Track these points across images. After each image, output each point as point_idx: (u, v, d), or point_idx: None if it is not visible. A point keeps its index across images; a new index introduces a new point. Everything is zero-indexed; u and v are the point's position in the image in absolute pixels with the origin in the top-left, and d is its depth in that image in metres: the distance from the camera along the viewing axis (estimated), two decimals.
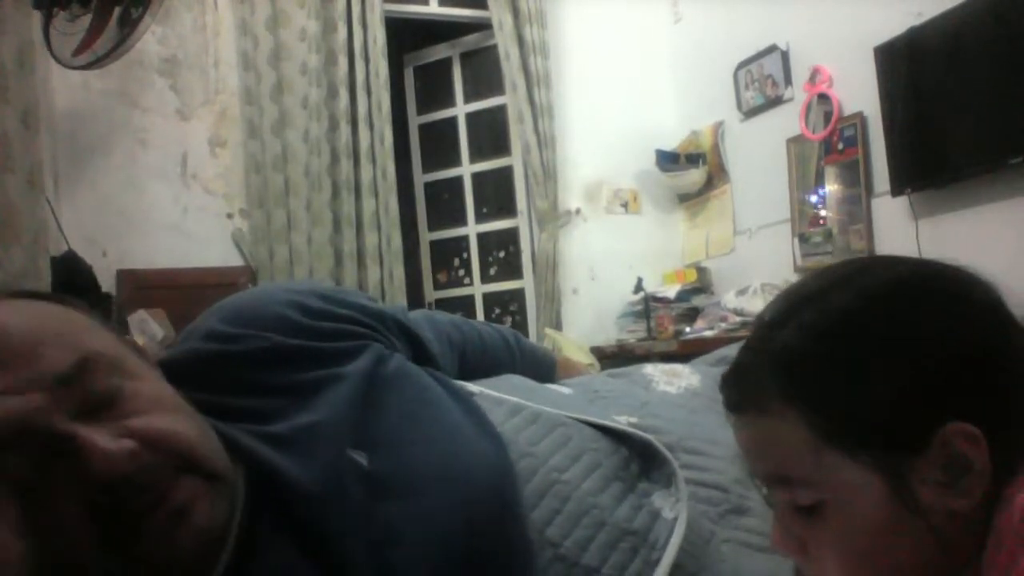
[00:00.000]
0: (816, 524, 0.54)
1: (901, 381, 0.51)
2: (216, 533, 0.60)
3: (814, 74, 3.21)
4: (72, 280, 2.22)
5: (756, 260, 3.54)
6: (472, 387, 0.84)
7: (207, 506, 0.59)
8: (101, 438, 0.54)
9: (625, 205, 3.98)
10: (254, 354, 0.73)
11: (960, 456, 0.50)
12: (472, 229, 4.03)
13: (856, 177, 3.05)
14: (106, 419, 0.56)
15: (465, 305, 3.98)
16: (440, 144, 4.09)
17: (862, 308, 0.54)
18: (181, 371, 0.71)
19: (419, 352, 0.87)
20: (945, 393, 0.51)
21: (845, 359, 0.52)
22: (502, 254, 4.02)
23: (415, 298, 3.95)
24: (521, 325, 3.87)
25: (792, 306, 0.57)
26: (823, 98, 3.17)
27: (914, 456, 0.50)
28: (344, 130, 3.40)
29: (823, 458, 0.52)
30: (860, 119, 3.01)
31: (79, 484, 0.54)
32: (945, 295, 0.54)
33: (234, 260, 3.33)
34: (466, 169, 4.04)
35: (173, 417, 0.60)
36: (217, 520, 0.60)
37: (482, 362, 1.00)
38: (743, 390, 0.57)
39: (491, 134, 4.02)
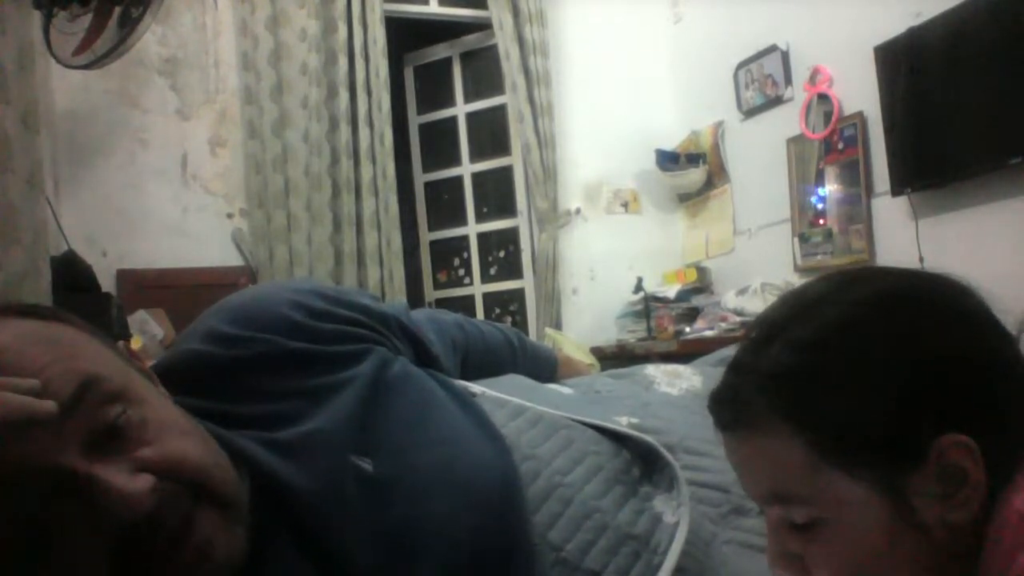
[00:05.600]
0: (812, 541, 0.53)
1: (895, 393, 0.51)
2: (236, 561, 0.60)
3: (814, 74, 3.21)
4: (72, 280, 2.21)
5: (756, 260, 3.54)
6: (475, 388, 0.84)
7: (227, 538, 0.59)
8: (119, 477, 0.53)
9: (625, 205, 3.98)
10: (256, 358, 0.72)
11: (956, 467, 0.50)
12: (472, 229, 4.03)
13: (856, 177, 3.05)
14: (116, 451, 0.55)
15: (465, 305, 3.98)
16: (440, 144, 4.09)
17: (852, 321, 0.53)
18: (181, 373, 0.71)
19: (421, 353, 0.86)
20: (938, 404, 0.50)
21: (837, 373, 0.52)
22: (502, 254, 4.02)
23: (415, 298, 3.95)
24: (521, 325, 3.87)
25: (780, 321, 0.56)
26: (823, 98, 3.17)
27: (911, 470, 0.50)
28: (344, 130, 3.40)
29: (819, 475, 0.52)
30: (860, 119, 3.01)
31: (97, 524, 0.52)
32: (934, 306, 0.54)
33: (234, 260, 3.33)
34: (466, 169, 4.04)
35: (182, 441, 0.59)
36: (237, 549, 0.60)
37: (485, 361, 1.00)
38: (734, 408, 0.56)
39: (491, 134, 4.02)
